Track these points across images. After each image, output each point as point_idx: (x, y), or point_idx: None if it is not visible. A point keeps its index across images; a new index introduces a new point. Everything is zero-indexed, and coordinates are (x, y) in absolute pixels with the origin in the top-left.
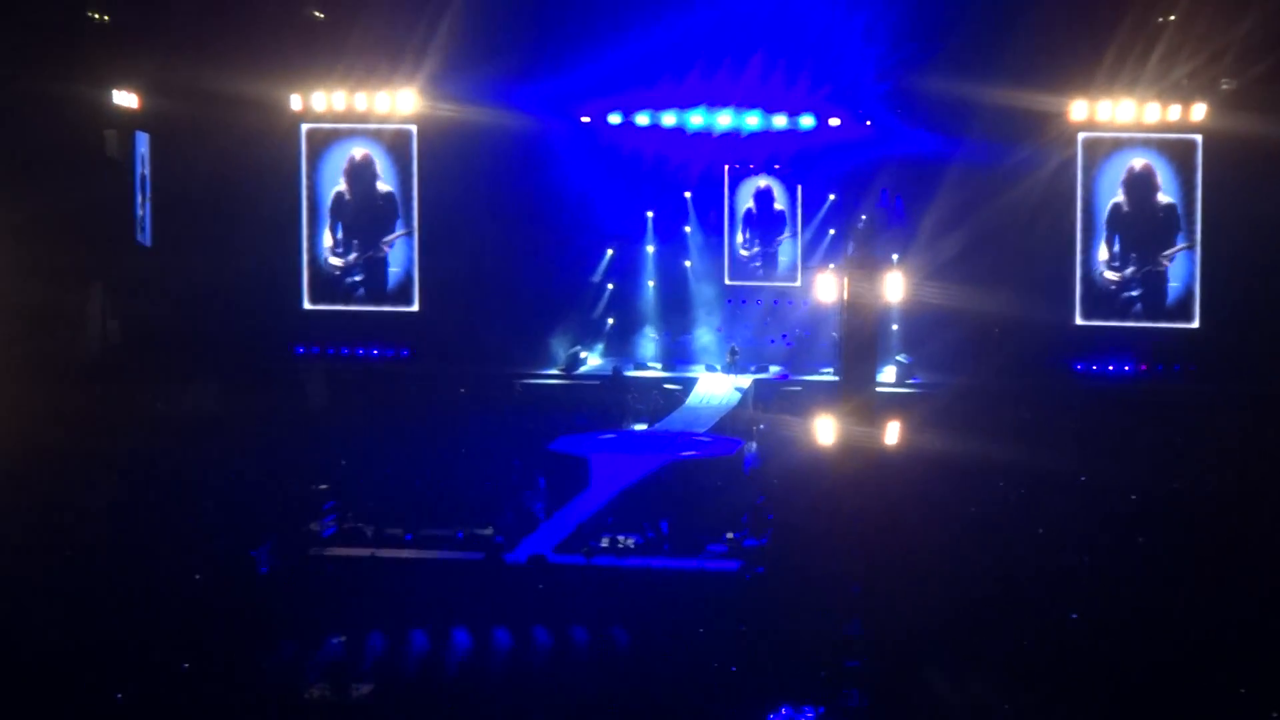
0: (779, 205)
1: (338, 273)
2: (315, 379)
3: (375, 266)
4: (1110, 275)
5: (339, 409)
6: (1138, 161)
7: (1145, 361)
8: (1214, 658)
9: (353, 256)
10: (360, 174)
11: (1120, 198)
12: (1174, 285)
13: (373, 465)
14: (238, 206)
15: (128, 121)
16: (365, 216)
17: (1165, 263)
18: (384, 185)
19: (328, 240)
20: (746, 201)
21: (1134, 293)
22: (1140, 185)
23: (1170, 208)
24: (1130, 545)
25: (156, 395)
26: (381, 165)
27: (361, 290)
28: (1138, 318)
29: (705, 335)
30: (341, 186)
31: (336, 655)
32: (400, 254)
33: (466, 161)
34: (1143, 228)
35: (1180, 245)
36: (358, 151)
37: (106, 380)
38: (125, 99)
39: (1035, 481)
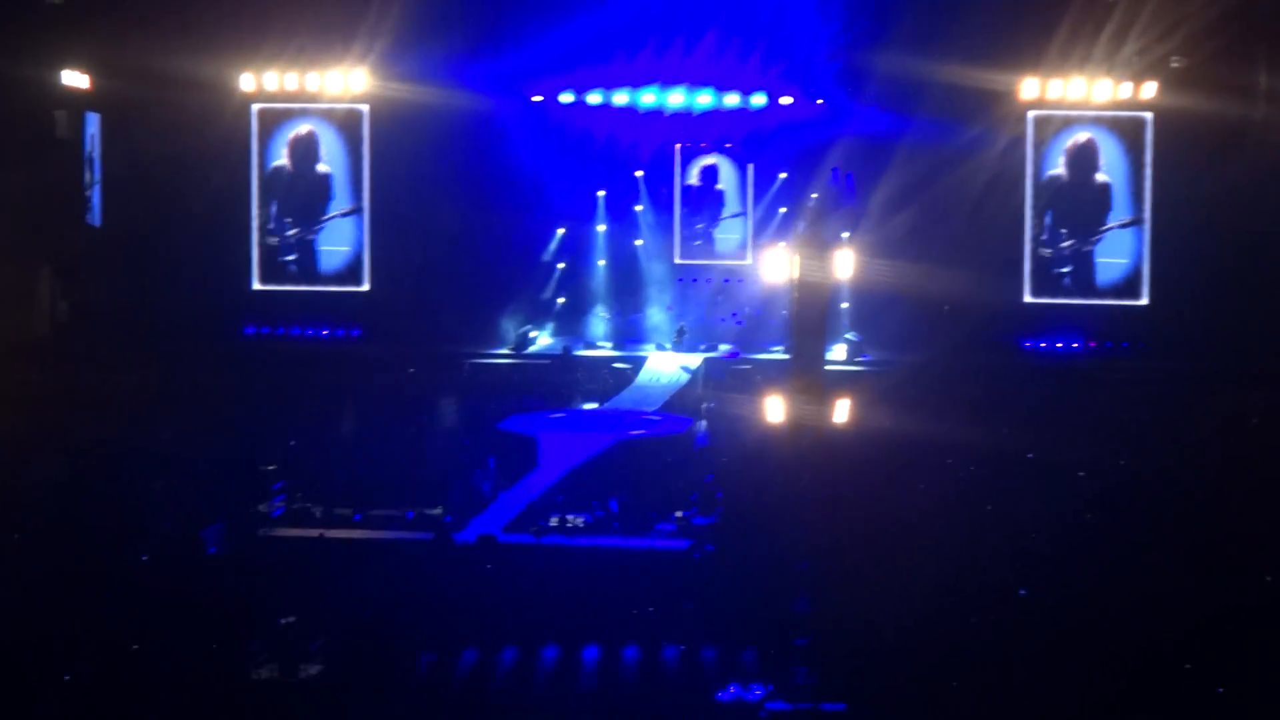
0: (721, 184)
1: (271, 248)
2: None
3: (312, 245)
4: (1045, 252)
5: (288, 389)
6: (1081, 136)
7: (1094, 339)
8: (1164, 633)
9: (290, 234)
10: (303, 151)
11: (1064, 173)
12: (1123, 262)
13: (322, 445)
14: (188, 187)
15: (77, 102)
16: (306, 194)
17: (1095, 240)
18: (324, 166)
19: (263, 217)
20: (691, 178)
21: (1074, 268)
22: (1084, 161)
23: (1117, 185)
24: (1080, 522)
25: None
26: (329, 144)
27: (294, 268)
28: (1086, 295)
29: (656, 314)
30: (283, 161)
31: (285, 636)
32: (350, 234)
33: (418, 141)
34: (1088, 203)
35: (1115, 223)
36: (303, 128)
37: (56, 361)
38: (75, 79)
39: (984, 459)
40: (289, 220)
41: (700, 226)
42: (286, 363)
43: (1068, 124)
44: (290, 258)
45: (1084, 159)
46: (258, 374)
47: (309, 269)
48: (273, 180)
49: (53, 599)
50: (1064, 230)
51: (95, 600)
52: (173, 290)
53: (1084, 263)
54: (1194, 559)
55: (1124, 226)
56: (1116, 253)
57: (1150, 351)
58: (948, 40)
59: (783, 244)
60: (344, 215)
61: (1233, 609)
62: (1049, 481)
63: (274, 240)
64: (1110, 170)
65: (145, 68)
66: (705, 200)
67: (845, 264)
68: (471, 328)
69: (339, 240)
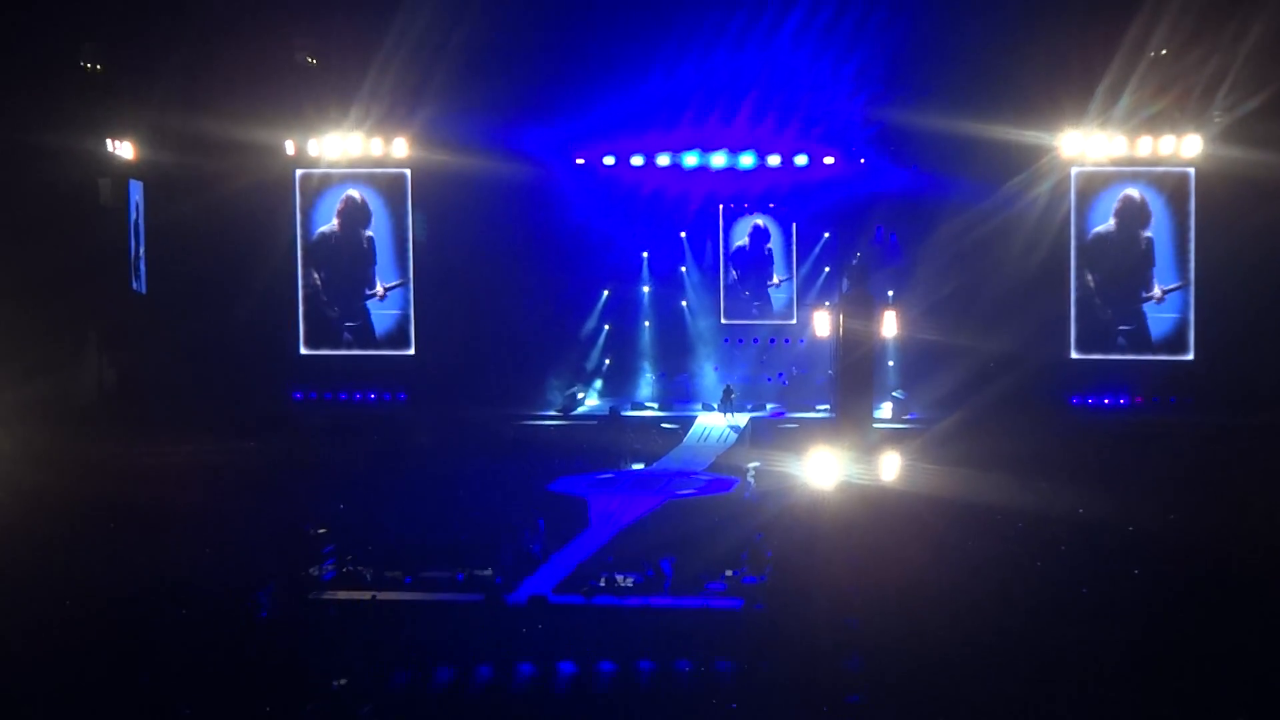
0: (771, 245)
1: (332, 317)
2: None
3: (358, 310)
4: (1096, 308)
5: (338, 453)
6: (1132, 194)
7: (1140, 394)
8: (1211, 687)
9: (345, 302)
10: (349, 216)
11: (1110, 229)
12: (1168, 317)
13: (372, 508)
14: (233, 252)
15: (122, 170)
16: (351, 259)
17: (1160, 298)
18: (369, 231)
19: (316, 283)
20: (740, 239)
21: (1128, 326)
22: (1134, 218)
23: (1162, 241)
24: (1128, 577)
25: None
26: (375, 210)
27: (349, 336)
28: (1132, 350)
29: (703, 374)
30: (329, 227)
31: (338, 698)
32: (396, 298)
33: (461, 205)
34: (1134, 260)
35: (1175, 284)
36: (350, 194)
37: (104, 426)
38: (119, 148)
39: (1033, 515)
40: (335, 286)
41: (748, 294)
42: (335, 426)
43: (1111, 180)
44: (337, 323)
45: (1130, 216)
46: (307, 438)
47: (356, 334)
48: (318, 246)
49: (107, 665)
50: (1110, 287)
51: (149, 664)
52: (220, 356)
53: (1131, 320)
54: (1241, 609)
55: (1172, 290)
56: (1163, 308)
57: (1197, 406)
58: (989, 99)
59: (828, 303)
60: (392, 288)
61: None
62: (1098, 537)
63: (321, 305)
64: (1154, 226)
65: (188, 135)
66: (756, 261)
67: (890, 322)
68: (518, 390)
69: (385, 305)
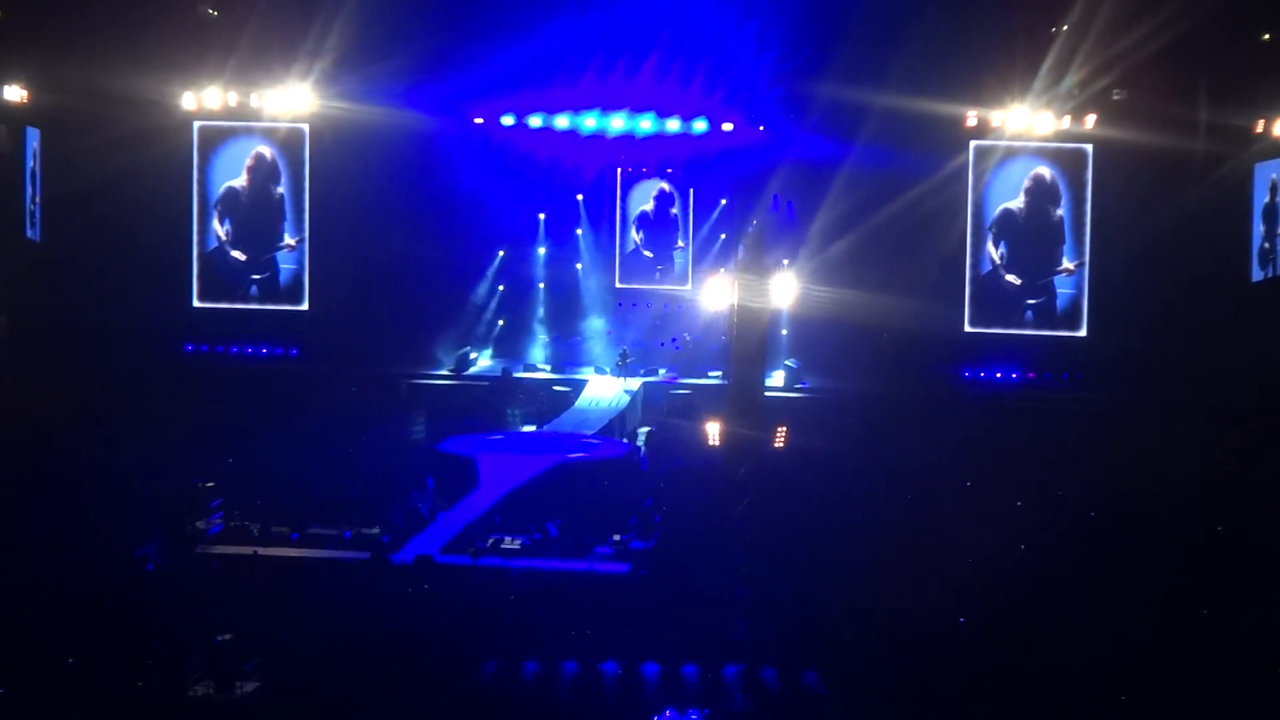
0: (675, 210)
1: (240, 268)
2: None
3: (272, 266)
4: (1010, 280)
5: (227, 407)
6: (1043, 171)
7: (1033, 369)
8: (1095, 663)
9: (252, 254)
10: (262, 173)
11: (1018, 205)
12: (1063, 293)
13: (260, 464)
14: (129, 203)
15: (17, 116)
16: (261, 216)
17: (1065, 272)
18: (281, 188)
19: (222, 234)
20: (644, 204)
21: (1030, 301)
22: (1046, 194)
23: (1051, 217)
24: (1014, 551)
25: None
26: (269, 163)
27: (255, 289)
28: (1027, 325)
29: (596, 338)
30: (241, 183)
31: (221, 653)
32: (291, 253)
33: (358, 161)
34: (1037, 237)
35: (1061, 264)
36: (264, 151)
37: None
38: (14, 93)
39: (922, 487)
40: (244, 240)
41: (652, 255)
42: (225, 380)
43: (1009, 155)
44: (255, 276)
45: (1041, 192)
46: (197, 391)
47: (262, 286)
48: (226, 199)
49: None
50: (1028, 263)
51: (31, 615)
52: (113, 306)
53: (1045, 295)
54: (1125, 585)
55: (1069, 273)
56: (1061, 284)
57: (1088, 383)
58: (890, 68)
59: (723, 270)
60: (290, 249)
61: (1159, 632)
62: (986, 509)
63: (240, 256)
64: (1052, 201)
65: (86, 83)
66: (663, 226)
67: (785, 291)
68: (410, 348)
69: (281, 260)
